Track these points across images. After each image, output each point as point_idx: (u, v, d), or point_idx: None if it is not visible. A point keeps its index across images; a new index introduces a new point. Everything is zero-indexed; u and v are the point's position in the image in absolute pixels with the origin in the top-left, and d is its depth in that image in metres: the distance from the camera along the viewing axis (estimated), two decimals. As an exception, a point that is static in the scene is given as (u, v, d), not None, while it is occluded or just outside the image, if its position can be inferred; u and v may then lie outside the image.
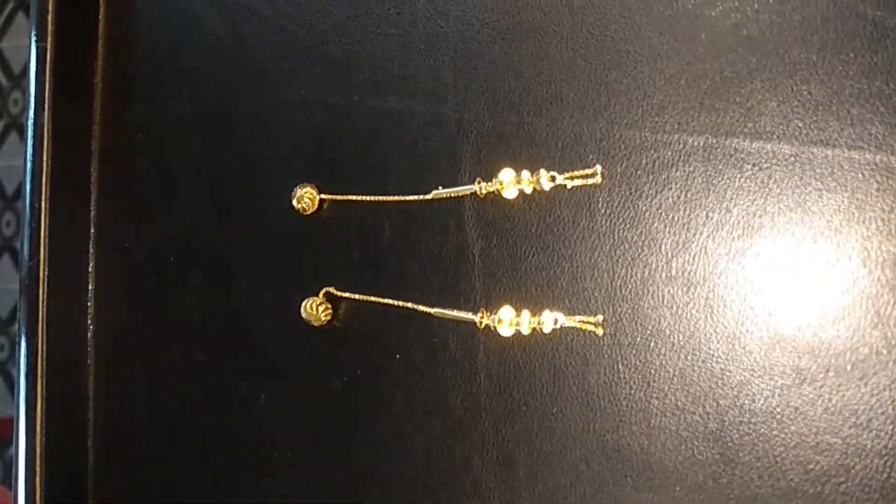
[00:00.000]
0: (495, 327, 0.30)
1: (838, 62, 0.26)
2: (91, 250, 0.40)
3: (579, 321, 0.29)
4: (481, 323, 0.30)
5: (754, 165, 0.26)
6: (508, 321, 0.30)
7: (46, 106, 0.38)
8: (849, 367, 0.25)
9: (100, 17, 0.40)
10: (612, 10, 0.29)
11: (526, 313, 0.30)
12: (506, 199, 0.30)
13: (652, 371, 0.28)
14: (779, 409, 0.26)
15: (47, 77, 0.38)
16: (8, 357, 2.21)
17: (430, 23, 0.33)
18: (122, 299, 0.40)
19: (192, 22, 0.38)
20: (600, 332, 0.29)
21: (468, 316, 0.31)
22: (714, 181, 0.27)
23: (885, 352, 0.25)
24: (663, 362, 0.28)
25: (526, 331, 0.30)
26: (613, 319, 0.28)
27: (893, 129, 0.25)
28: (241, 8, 0.37)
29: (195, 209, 0.38)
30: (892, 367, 0.25)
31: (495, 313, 0.30)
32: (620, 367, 0.28)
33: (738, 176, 0.27)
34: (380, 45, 0.34)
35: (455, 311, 0.31)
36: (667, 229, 0.28)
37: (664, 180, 0.28)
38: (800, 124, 0.26)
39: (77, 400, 0.39)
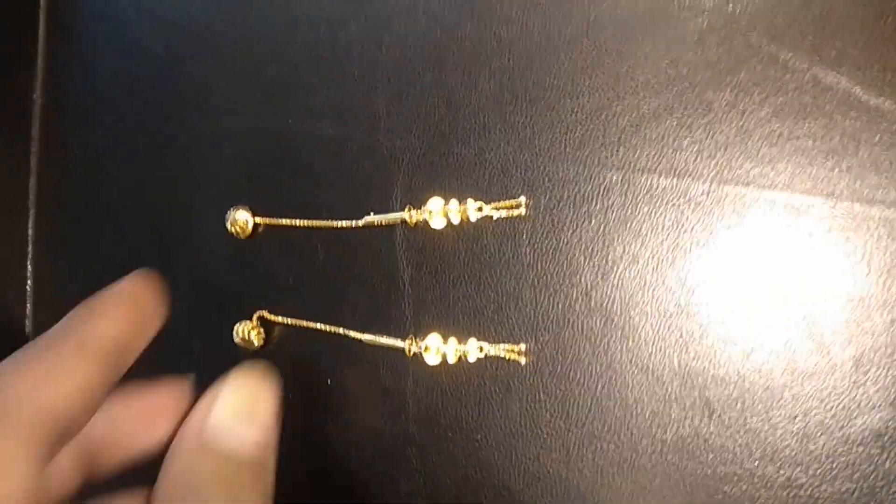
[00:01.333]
0: (423, 355, 0.31)
1: (750, 102, 0.27)
2: (29, 278, 0.40)
3: (504, 350, 0.30)
4: (409, 350, 0.31)
5: (668, 202, 0.27)
6: (435, 349, 0.30)
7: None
8: (756, 401, 0.26)
9: (38, 39, 0.40)
10: (537, 45, 0.30)
11: (453, 341, 0.30)
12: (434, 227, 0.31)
13: (571, 400, 0.28)
14: (689, 440, 0.26)
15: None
16: None
17: (364, 50, 0.33)
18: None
19: (131, 45, 0.38)
20: (523, 360, 0.29)
21: (397, 343, 0.31)
22: (630, 216, 0.28)
23: (791, 385, 0.26)
24: (582, 391, 0.28)
25: (452, 359, 0.30)
26: (536, 349, 0.29)
27: (802, 170, 0.26)
28: (179, 31, 0.37)
29: (133, 233, 0.38)
30: (798, 401, 0.25)
31: (423, 340, 0.31)
32: (542, 395, 0.29)
33: (653, 212, 0.27)
34: (315, 71, 0.34)
35: (385, 337, 0.32)
36: (586, 261, 0.28)
37: (584, 213, 0.28)
38: (712, 163, 0.27)
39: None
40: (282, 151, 0.35)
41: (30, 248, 0.40)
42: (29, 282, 0.40)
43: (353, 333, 0.32)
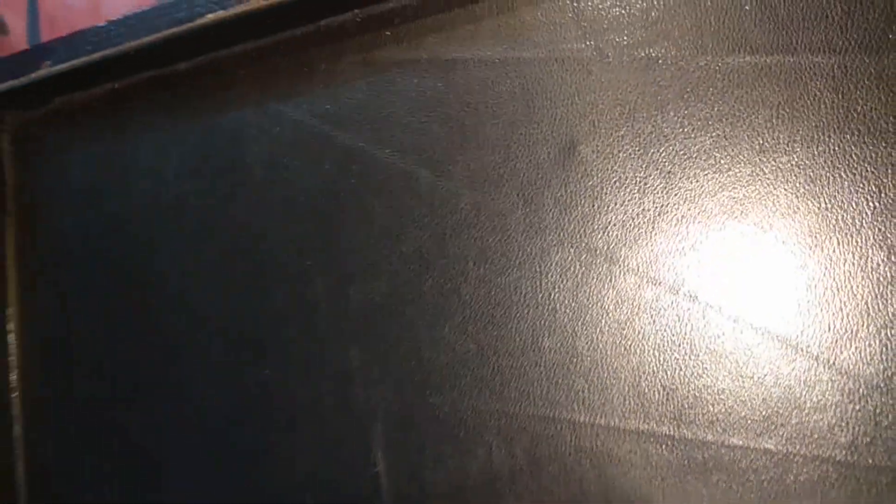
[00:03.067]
0: None
1: (697, 352, 0.29)
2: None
3: None
4: None
5: (636, 447, 0.29)
6: None
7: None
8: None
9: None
10: (496, 300, 0.32)
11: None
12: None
13: None
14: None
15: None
16: None
17: (331, 305, 0.35)
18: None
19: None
20: None
21: None
22: (602, 455, 0.29)
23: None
24: None
25: None
26: None
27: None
28: (153, 292, 0.39)
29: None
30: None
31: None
32: None
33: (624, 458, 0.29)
34: (286, 326, 0.36)
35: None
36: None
37: (560, 460, 0.30)
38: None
39: None
40: (259, 404, 0.36)
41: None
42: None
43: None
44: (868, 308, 0.26)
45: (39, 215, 0.41)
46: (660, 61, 0.30)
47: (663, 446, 0.29)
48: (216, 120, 0.37)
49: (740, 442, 0.28)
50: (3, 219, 0.41)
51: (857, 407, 0.27)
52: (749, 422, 0.28)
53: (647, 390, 0.29)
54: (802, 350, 0.27)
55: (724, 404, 0.28)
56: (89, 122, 0.40)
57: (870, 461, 0.26)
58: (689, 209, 0.29)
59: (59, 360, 0.41)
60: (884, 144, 0.27)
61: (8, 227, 0.41)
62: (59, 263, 0.41)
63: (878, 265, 0.26)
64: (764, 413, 0.28)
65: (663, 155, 0.29)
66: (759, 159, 0.28)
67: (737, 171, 0.28)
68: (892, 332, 0.26)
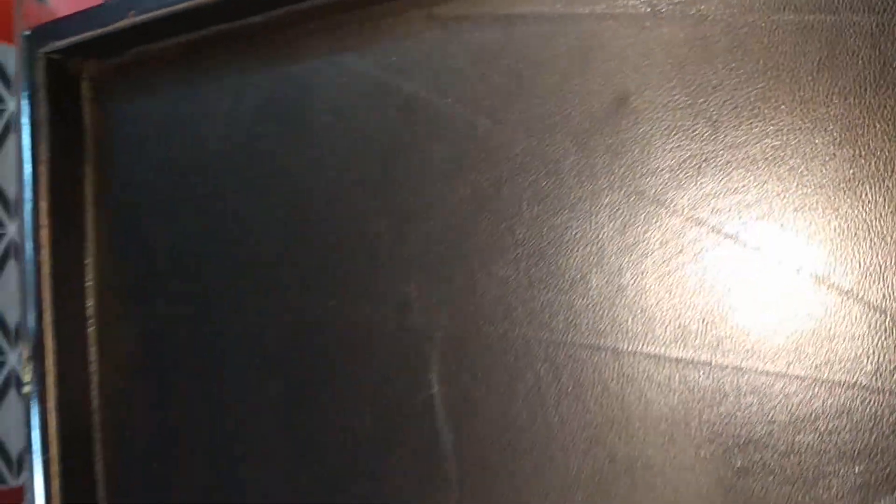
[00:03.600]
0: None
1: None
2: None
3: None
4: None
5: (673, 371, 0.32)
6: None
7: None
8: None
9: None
10: (547, 241, 0.35)
11: None
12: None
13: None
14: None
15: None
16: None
17: (392, 241, 0.38)
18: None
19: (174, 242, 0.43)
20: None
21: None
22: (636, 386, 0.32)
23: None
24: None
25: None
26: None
27: (784, 344, 0.30)
28: (213, 216, 0.42)
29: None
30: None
31: None
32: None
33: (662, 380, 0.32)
34: (351, 260, 0.39)
35: None
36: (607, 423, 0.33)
37: (603, 383, 0.33)
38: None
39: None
40: (323, 332, 0.39)
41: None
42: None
43: None
44: (896, 247, 0.29)
45: (116, 160, 0.44)
46: (709, 17, 0.32)
47: (701, 372, 0.32)
48: (286, 70, 0.40)
49: (773, 369, 0.31)
50: (82, 163, 0.44)
51: (883, 338, 0.29)
52: (782, 351, 0.31)
53: (687, 322, 0.32)
54: (834, 286, 0.30)
55: (759, 335, 0.31)
56: (165, 70, 0.43)
57: (893, 387, 0.29)
58: (733, 155, 0.31)
59: (137, 302, 0.44)
60: (918, 96, 0.29)
61: (86, 171, 0.44)
62: (135, 206, 0.44)
63: (908, 207, 0.29)
64: (796, 343, 0.30)
65: (711, 105, 0.32)
66: (800, 110, 0.30)
67: (778, 120, 0.31)
68: (918, 268, 0.29)
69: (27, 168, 0.41)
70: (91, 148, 0.44)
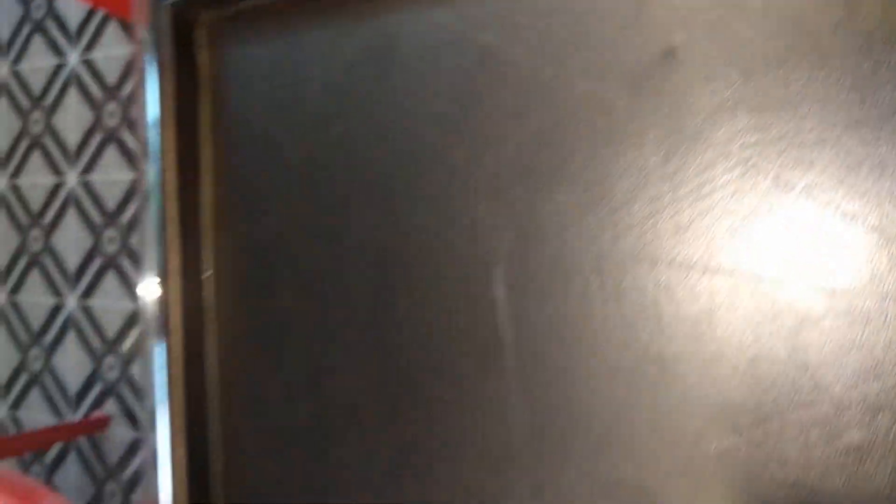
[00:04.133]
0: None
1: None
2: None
3: (584, 391, 0.41)
4: (513, 393, 0.42)
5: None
6: (533, 392, 0.41)
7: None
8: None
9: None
10: (601, 158, 0.41)
11: (545, 385, 0.41)
12: (528, 301, 0.42)
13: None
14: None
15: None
16: (119, 377, 2.29)
17: (467, 170, 0.45)
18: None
19: (272, 153, 0.51)
20: None
21: (503, 387, 0.42)
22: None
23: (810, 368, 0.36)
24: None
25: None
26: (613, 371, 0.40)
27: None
28: (317, 149, 0.49)
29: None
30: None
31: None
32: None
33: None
34: (430, 185, 0.46)
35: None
36: (642, 318, 0.39)
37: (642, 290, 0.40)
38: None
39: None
40: (404, 250, 0.46)
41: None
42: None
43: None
44: None
45: (227, 98, 0.52)
46: (747, -18, 0.38)
47: (723, 281, 0.38)
48: (379, 21, 0.47)
49: (785, 278, 0.37)
50: (198, 101, 0.51)
51: (878, 252, 0.35)
52: (793, 263, 0.37)
53: (713, 238, 0.38)
54: (839, 209, 0.36)
55: (775, 250, 0.37)
56: (271, 20, 0.50)
57: (885, 291, 0.35)
58: (760, 99, 0.37)
59: (245, 220, 0.51)
60: (918, 51, 0.35)
61: (202, 112, 0.52)
62: (243, 138, 0.51)
63: (904, 144, 0.35)
64: (805, 256, 0.37)
65: (744, 56, 0.38)
66: (819, 61, 0.36)
67: (800, 70, 0.37)
68: (910, 194, 0.35)
69: (154, 103, 0.49)
70: (206, 87, 0.51)
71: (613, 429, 0.40)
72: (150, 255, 0.51)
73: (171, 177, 0.48)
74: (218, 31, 0.52)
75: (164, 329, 0.48)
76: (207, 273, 0.51)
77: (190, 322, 0.50)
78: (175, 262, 0.49)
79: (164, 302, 0.49)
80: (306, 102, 0.49)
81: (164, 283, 0.49)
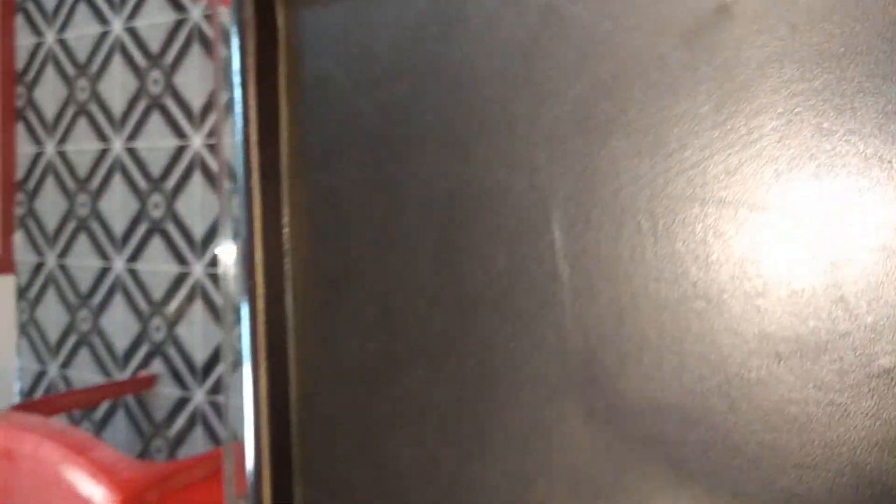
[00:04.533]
0: (579, 327, 0.46)
1: (801, 155, 0.41)
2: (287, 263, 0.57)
3: (636, 322, 0.44)
4: (570, 324, 0.46)
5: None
6: (588, 322, 0.45)
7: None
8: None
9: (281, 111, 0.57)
10: (655, 107, 0.44)
11: (600, 317, 0.45)
12: (584, 241, 0.46)
13: (684, 353, 0.43)
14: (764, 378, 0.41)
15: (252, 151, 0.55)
16: (165, 338, 2.40)
17: (527, 120, 0.48)
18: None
19: (350, 116, 0.55)
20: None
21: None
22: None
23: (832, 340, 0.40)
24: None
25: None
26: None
27: (836, 198, 0.40)
28: (390, 105, 0.53)
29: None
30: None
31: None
32: (664, 351, 0.44)
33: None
34: (491, 134, 0.49)
35: (551, 316, 0.47)
36: (692, 260, 0.43)
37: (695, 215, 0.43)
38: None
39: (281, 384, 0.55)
40: (470, 191, 0.50)
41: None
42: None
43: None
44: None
45: (304, 59, 0.56)
46: (797, -59, 0.41)
47: (767, 221, 0.41)
48: (446, -19, 0.50)
49: (821, 222, 0.40)
50: (277, 58, 0.56)
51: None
52: (828, 206, 0.40)
53: (758, 182, 0.42)
54: (873, 154, 0.39)
55: (810, 194, 0.40)
56: (343, -19, 0.54)
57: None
58: (806, 52, 0.40)
59: (320, 168, 0.56)
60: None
61: (280, 64, 0.56)
62: (319, 99, 0.55)
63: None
64: (837, 197, 0.40)
65: (791, 11, 0.41)
66: (862, 16, 0.39)
67: (843, 24, 0.40)
68: (946, 139, 0.38)
69: (237, 59, 0.53)
70: (283, 45, 0.56)
71: (664, 357, 0.44)
72: (231, 207, 0.56)
73: (253, 129, 0.53)
74: (294, -8, 0.56)
75: (250, 269, 0.53)
76: (285, 220, 0.55)
77: (271, 264, 0.54)
78: (258, 210, 0.53)
79: (249, 246, 0.53)
80: (376, 60, 0.53)
81: (250, 229, 0.53)
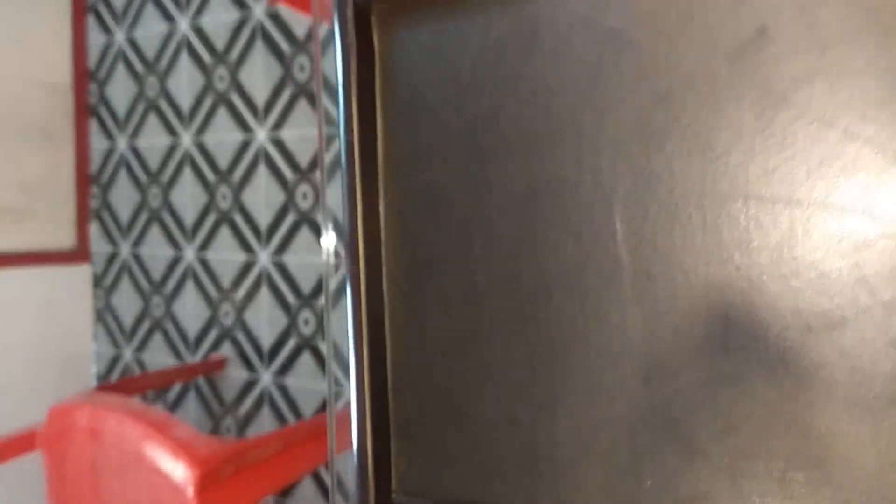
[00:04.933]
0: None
1: (830, 157, 0.48)
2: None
3: (687, 299, 0.52)
4: (630, 301, 0.54)
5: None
6: (646, 300, 0.54)
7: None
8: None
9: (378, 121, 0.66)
10: (703, 109, 0.52)
11: (656, 296, 0.53)
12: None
13: (729, 326, 0.51)
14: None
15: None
16: (315, 331, 2.57)
17: (592, 124, 0.56)
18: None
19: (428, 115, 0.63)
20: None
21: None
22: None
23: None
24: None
25: (656, 305, 0.53)
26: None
27: (860, 194, 0.47)
28: (465, 114, 0.62)
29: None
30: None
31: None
32: (711, 324, 0.52)
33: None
34: (559, 133, 0.58)
35: (613, 295, 0.55)
36: (733, 248, 0.51)
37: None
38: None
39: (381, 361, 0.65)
40: (541, 190, 0.58)
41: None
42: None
43: (593, 294, 0.56)
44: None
45: (396, 76, 0.65)
46: (827, -25, 0.48)
47: (800, 212, 0.49)
48: (520, 9, 0.58)
49: (876, 214, 0.47)
50: (373, 75, 0.65)
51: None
52: (853, 188, 0.47)
53: (793, 177, 0.49)
54: (877, 142, 0.46)
55: (869, 196, 0.48)
56: (431, 9, 0.62)
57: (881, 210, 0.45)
58: (839, 69, 0.48)
59: (414, 171, 0.65)
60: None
61: (376, 81, 0.65)
62: (409, 111, 0.64)
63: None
64: (861, 185, 0.47)
65: (823, 33, 0.48)
66: (882, 40, 0.46)
67: (871, 42, 0.47)
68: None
69: (341, 75, 0.62)
70: (378, 64, 0.65)
71: (713, 329, 0.52)
72: (333, 205, 0.65)
73: (354, 138, 0.62)
74: (387, 17, 0.64)
75: (354, 257, 0.62)
76: (381, 215, 0.65)
77: (371, 254, 0.64)
78: (360, 207, 0.63)
79: (353, 238, 0.63)
80: (460, 76, 0.61)
81: (353, 224, 0.63)
